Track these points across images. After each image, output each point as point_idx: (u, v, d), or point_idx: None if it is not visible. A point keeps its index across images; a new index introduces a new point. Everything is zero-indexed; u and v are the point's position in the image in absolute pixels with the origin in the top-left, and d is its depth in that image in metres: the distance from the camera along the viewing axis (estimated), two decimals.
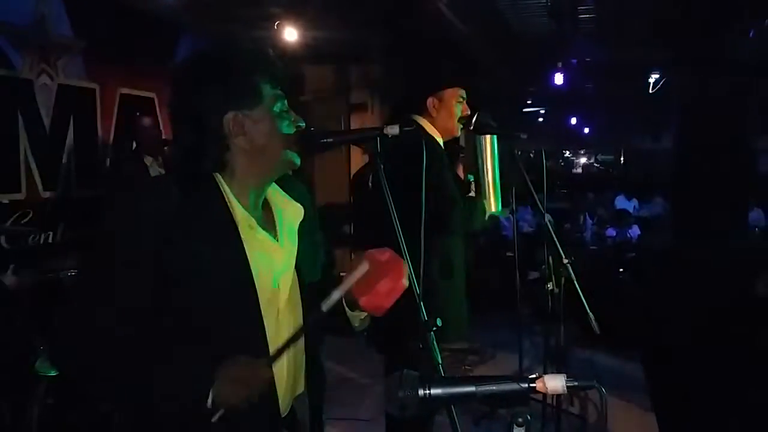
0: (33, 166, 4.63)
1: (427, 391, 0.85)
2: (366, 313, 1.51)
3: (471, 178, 2.72)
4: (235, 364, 1.28)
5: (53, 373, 3.04)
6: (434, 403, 0.84)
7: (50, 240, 4.65)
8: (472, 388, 0.84)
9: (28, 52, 4.58)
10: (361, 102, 8.84)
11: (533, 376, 0.83)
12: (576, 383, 0.81)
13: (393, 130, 1.49)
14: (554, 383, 0.82)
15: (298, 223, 1.53)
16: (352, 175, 6.87)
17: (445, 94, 2.73)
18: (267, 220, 1.48)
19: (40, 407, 3.05)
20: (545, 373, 3.47)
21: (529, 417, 0.82)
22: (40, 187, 4.68)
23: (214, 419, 1.25)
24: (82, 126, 5.05)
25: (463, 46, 7.09)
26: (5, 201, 4.37)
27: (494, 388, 0.83)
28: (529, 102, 14.43)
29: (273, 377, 1.37)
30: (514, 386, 0.83)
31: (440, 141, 2.73)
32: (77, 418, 3.02)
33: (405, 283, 1.41)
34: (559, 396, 2.89)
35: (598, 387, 0.81)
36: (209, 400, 1.25)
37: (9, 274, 3.80)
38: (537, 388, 0.83)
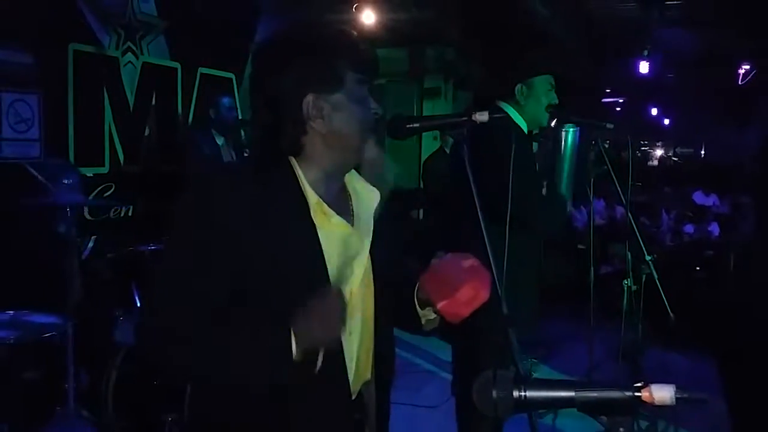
0: (116, 141, 4.79)
1: (523, 394, 0.81)
2: (435, 315, 1.48)
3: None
4: (306, 304, 1.27)
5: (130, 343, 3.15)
6: (529, 406, 0.80)
7: (130, 213, 4.81)
8: (570, 393, 0.79)
9: (115, 30, 4.72)
10: (434, 87, 8.76)
11: (638, 384, 0.78)
12: (686, 395, 0.76)
13: (482, 116, 1.44)
14: (662, 393, 0.76)
15: (375, 208, 1.50)
16: (423, 160, 6.83)
17: (535, 81, 2.65)
18: (343, 205, 1.46)
19: (117, 374, 3.16)
20: (618, 371, 3.36)
21: (634, 428, 0.77)
22: (122, 162, 4.84)
23: (318, 366, 1.25)
24: (163, 104, 5.18)
25: (548, 32, 6.91)
26: (90, 174, 4.53)
27: (595, 394, 0.78)
28: (608, 91, 14.01)
29: (343, 359, 1.37)
30: (617, 394, 0.78)
31: (525, 129, 2.66)
32: (152, 385, 3.11)
33: (486, 294, 1.35)
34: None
35: (709, 400, 0.76)
36: (293, 348, 1.25)
37: (90, 245, 3.95)
38: (642, 398, 0.77)
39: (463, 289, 1.34)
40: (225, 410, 1.38)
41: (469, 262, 1.38)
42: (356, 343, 1.43)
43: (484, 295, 1.35)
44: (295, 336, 1.25)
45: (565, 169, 2.60)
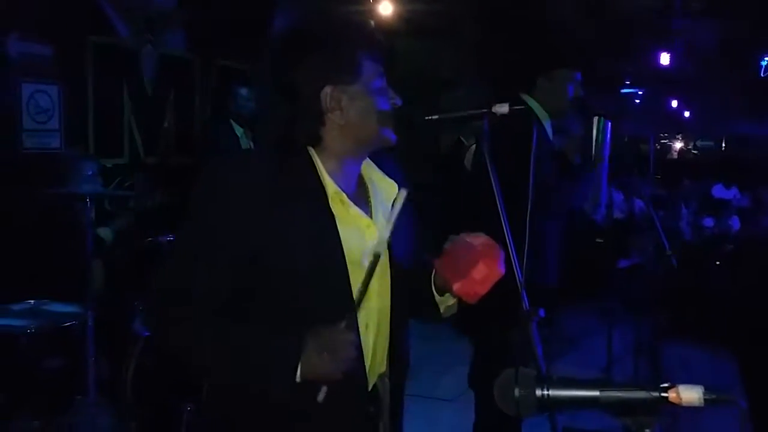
0: (135, 132, 4.82)
1: (546, 392, 0.79)
2: (454, 300, 1.47)
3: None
4: (317, 333, 1.27)
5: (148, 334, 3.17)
6: (552, 405, 0.79)
7: (150, 204, 4.83)
8: (595, 393, 0.77)
9: (134, 21, 4.74)
10: (452, 78, 8.69)
11: (665, 384, 0.76)
12: (715, 396, 0.74)
13: (502, 108, 1.43)
14: (690, 394, 0.74)
15: (392, 199, 1.49)
16: (441, 152, 6.80)
17: (557, 73, 2.63)
18: (360, 196, 1.45)
19: (136, 364, 3.18)
20: (637, 366, 3.35)
21: (657, 428, 0.76)
22: (141, 153, 4.87)
23: (320, 398, 1.24)
24: (181, 95, 5.20)
25: (569, 24, 6.83)
26: (109, 165, 4.56)
27: (620, 394, 0.77)
28: (627, 82, 13.83)
29: (361, 348, 1.36)
30: (643, 394, 0.76)
31: (547, 122, 2.64)
32: (171, 375, 3.13)
33: (501, 270, 1.34)
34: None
35: (737, 402, 0.74)
36: (298, 374, 1.25)
37: (110, 235, 3.98)
38: (669, 399, 0.76)
39: (477, 268, 1.32)
40: (240, 400, 1.38)
41: (481, 240, 1.37)
42: (372, 335, 1.42)
43: (498, 272, 1.34)
44: (301, 362, 1.25)
45: (602, 159, 2.59)
